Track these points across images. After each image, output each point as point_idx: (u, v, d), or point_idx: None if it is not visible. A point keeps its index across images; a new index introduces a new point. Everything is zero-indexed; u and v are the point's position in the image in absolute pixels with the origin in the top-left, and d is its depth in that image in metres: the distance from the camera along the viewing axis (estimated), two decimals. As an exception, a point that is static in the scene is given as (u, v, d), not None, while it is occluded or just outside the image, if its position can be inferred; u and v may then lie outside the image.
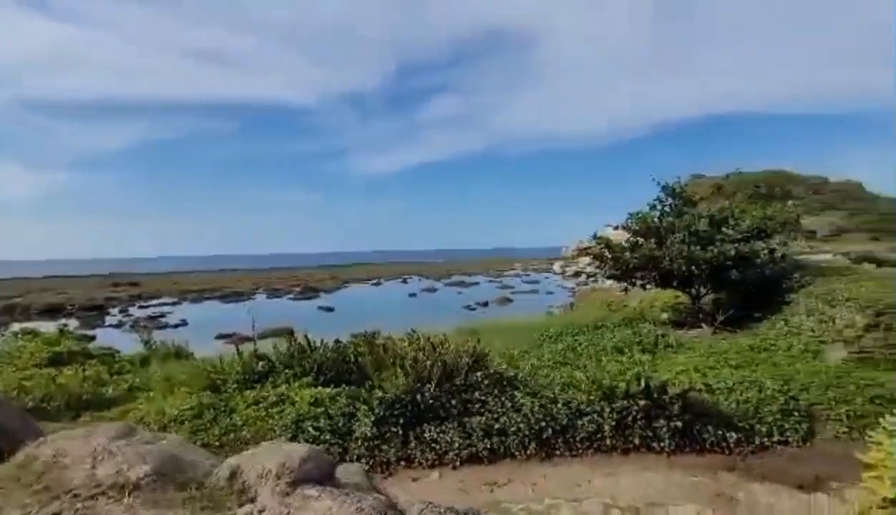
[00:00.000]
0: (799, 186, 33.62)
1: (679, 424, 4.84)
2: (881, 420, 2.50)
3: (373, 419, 4.73)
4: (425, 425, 4.74)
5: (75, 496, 1.38)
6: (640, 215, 10.70)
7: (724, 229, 9.27)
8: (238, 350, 6.51)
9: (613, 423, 4.81)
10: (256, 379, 6.01)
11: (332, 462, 1.66)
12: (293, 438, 4.65)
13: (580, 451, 4.76)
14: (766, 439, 5.04)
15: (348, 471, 1.96)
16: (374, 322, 16.47)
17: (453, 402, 4.92)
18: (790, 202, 10.65)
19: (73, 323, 21.86)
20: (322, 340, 6.66)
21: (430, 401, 4.85)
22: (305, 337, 6.63)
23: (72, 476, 1.46)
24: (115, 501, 1.37)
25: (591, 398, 5.03)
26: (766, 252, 8.68)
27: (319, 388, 5.51)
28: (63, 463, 1.51)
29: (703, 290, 10.34)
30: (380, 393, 4.87)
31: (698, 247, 8.65)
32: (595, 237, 11.22)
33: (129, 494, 1.40)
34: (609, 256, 10.58)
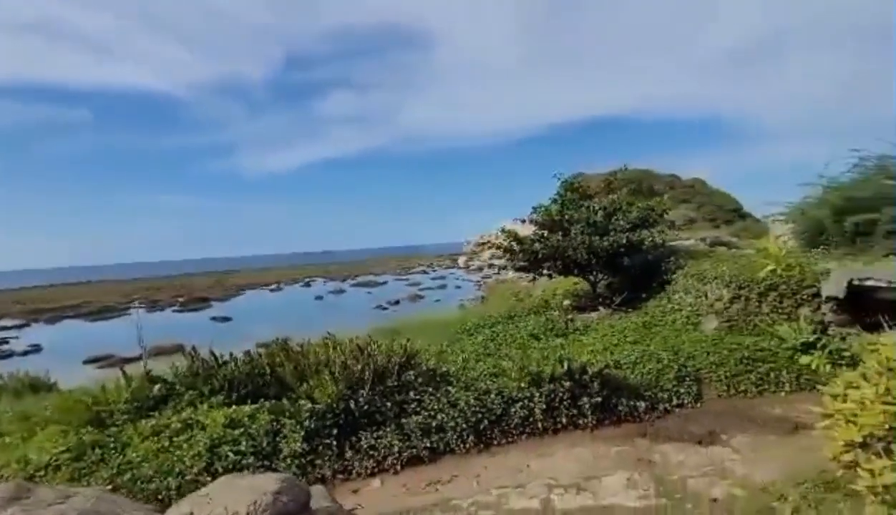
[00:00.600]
0: (658, 183, 39.28)
1: (599, 400, 5.24)
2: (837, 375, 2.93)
3: (302, 433, 4.36)
4: (361, 432, 4.51)
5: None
6: (543, 208, 11.40)
7: (614, 220, 10.27)
8: (125, 373, 5.54)
9: (544, 407, 5.04)
10: (152, 407, 5.17)
11: (307, 489, 1.44)
12: (208, 467, 4.09)
13: (515, 437, 4.91)
14: (667, 404, 5.70)
15: (315, 495, 1.74)
16: (281, 329, 15.39)
17: (388, 405, 4.75)
18: (665, 196, 12.17)
19: None
20: (231, 354, 5.96)
21: (365, 407, 4.62)
22: (211, 351, 5.88)
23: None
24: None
25: (522, 385, 5.21)
26: (650, 239, 9.82)
27: (234, 407, 4.91)
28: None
29: (599, 276, 11.36)
30: (309, 404, 4.50)
31: (597, 237, 9.48)
32: (503, 231, 11.69)
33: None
34: (517, 249, 11.10)
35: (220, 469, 4.06)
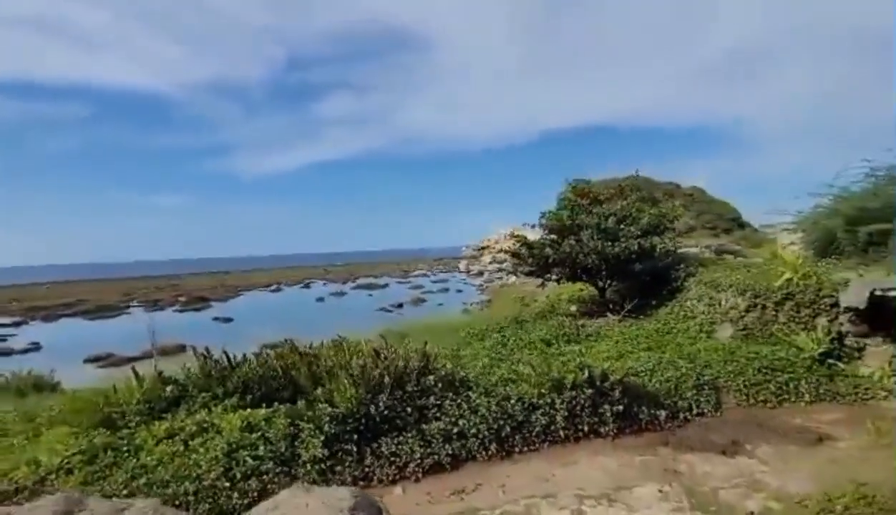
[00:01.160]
0: (658, 191, 39.49)
1: (621, 408, 5.15)
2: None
3: (322, 439, 4.25)
4: (381, 438, 4.40)
5: None
6: (552, 213, 11.35)
7: (625, 226, 10.22)
8: (136, 374, 5.42)
9: (565, 414, 4.95)
10: (165, 408, 5.05)
11: (378, 504, 1.35)
12: (225, 472, 3.97)
13: (537, 445, 4.81)
14: (687, 413, 5.61)
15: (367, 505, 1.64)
16: (283, 331, 15.26)
17: (408, 410, 4.64)
18: (677, 202, 12.12)
19: None
20: (244, 355, 5.86)
21: (385, 412, 4.51)
22: (224, 352, 5.77)
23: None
24: None
25: (542, 392, 5.12)
26: (661, 246, 9.77)
27: (249, 410, 4.80)
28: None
29: (608, 282, 11.30)
30: (328, 409, 4.39)
31: (609, 243, 9.42)
32: (512, 235, 11.65)
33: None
34: (527, 253, 11.05)
35: (238, 475, 3.95)
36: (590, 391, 5.12)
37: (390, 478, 4.18)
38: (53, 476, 4.03)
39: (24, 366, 9.30)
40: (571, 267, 10.54)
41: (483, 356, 8.09)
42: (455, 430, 4.56)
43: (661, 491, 3.70)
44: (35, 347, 16.98)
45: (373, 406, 4.50)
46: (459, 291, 28.05)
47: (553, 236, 10.88)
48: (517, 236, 11.66)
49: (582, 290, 14.25)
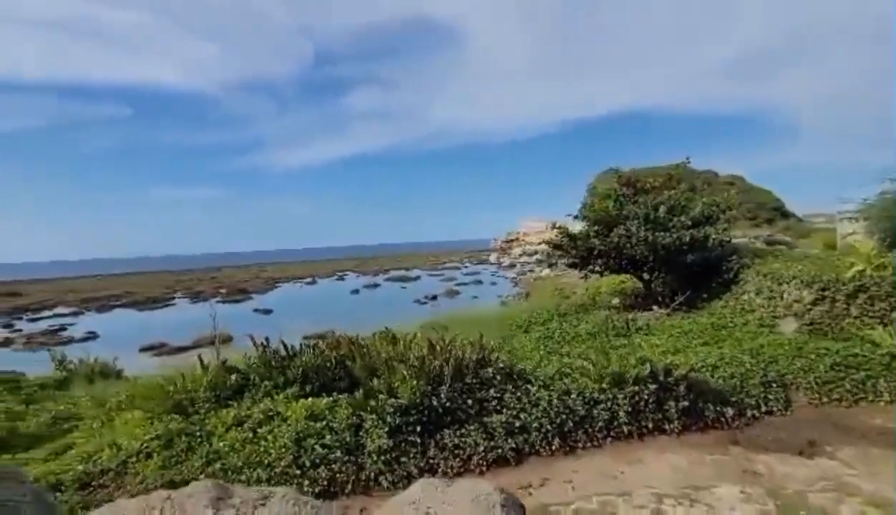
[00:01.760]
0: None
1: (686, 404, 4.95)
2: None
3: (386, 429, 4.27)
4: (444, 430, 4.38)
5: None
6: (595, 204, 11.05)
7: (675, 216, 9.83)
8: (202, 362, 5.60)
9: (628, 409, 4.80)
10: (230, 396, 5.21)
11: (520, 501, 1.29)
12: (295, 460, 4.05)
13: (599, 441, 4.69)
14: (755, 411, 5.35)
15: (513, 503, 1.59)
16: (323, 322, 15.58)
17: (469, 402, 4.60)
18: (732, 191, 11.55)
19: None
20: (301, 346, 5.97)
21: (447, 404, 4.49)
22: (282, 342, 5.89)
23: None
24: None
25: (603, 386, 4.99)
26: (715, 237, 9.35)
27: (311, 400, 4.88)
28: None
29: (654, 274, 10.93)
30: (392, 400, 4.40)
31: (660, 233, 9.09)
32: (554, 226, 11.41)
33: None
34: (570, 245, 10.81)
35: (308, 463, 4.02)
36: (653, 386, 4.95)
37: (454, 470, 4.15)
38: (134, 460, 4.21)
39: (83, 354, 9.80)
40: (617, 258, 10.25)
41: (532, 348, 8.00)
42: (517, 424, 4.49)
43: (743, 493, 3.52)
44: (93, 336, 17.99)
45: (434, 397, 4.48)
46: (493, 284, 27.88)
47: (597, 227, 10.59)
48: (559, 227, 11.42)
49: (623, 282, 13.88)
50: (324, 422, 4.43)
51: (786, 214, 44.50)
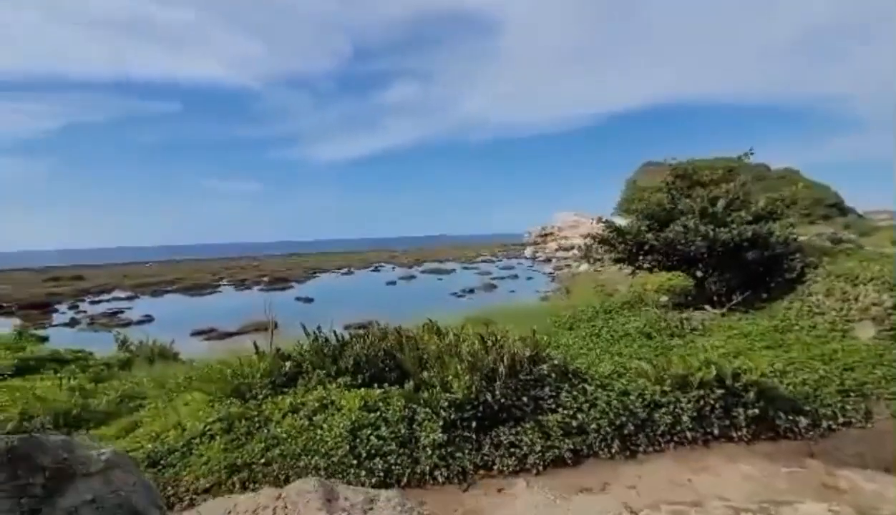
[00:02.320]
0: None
1: (756, 411, 4.65)
2: None
3: (440, 423, 4.22)
4: (499, 427, 4.29)
5: None
6: (645, 198, 10.61)
7: (734, 211, 9.29)
8: (257, 349, 5.74)
9: (693, 414, 4.55)
10: (284, 383, 5.31)
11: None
12: (351, 449, 4.06)
13: (661, 446, 4.47)
14: (831, 422, 4.96)
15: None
16: (363, 312, 15.78)
17: (524, 400, 4.48)
18: (800, 184, 10.79)
19: (14, 323, 19.65)
20: (351, 335, 6.01)
21: (501, 400, 4.38)
22: (334, 332, 5.96)
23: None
24: None
25: (665, 389, 4.75)
26: (778, 234, 8.77)
27: (363, 390, 4.90)
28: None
29: (709, 272, 10.40)
30: (447, 394, 4.35)
31: (721, 229, 8.61)
32: (601, 221, 11.05)
33: None
34: (618, 240, 10.45)
35: (364, 454, 4.02)
36: (720, 391, 4.67)
37: (510, 469, 4.05)
38: (197, 441, 4.35)
39: (139, 336, 10.31)
40: (670, 254, 9.81)
41: (580, 346, 7.78)
42: (574, 424, 4.34)
43: (831, 511, 3.25)
44: (148, 319, 19.01)
45: (489, 393, 4.39)
46: (530, 278, 27.49)
47: (648, 222, 10.17)
48: (605, 221, 11.05)
49: (671, 280, 13.30)
50: (377, 413, 4.42)
51: (844, 211, 41.45)
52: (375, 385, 5.12)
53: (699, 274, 10.39)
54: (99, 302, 25.96)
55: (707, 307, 9.87)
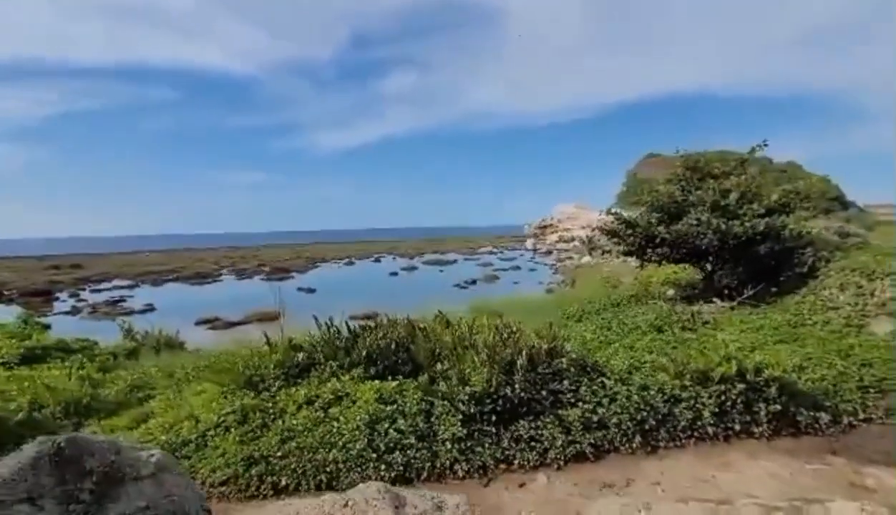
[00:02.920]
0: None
1: (778, 407, 4.58)
2: None
3: (459, 417, 4.15)
4: (519, 421, 4.22)
5: None
6: (654, 191, 10.48)
7: (746, 204, 9.18)
8: (268, 340, 5.65)
9: (715, 409, 4.49)
10: (297, 374, 5.23)
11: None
12: (369, 443, 3.99)
13: (682, 441, 4.41)
14: (852, 418, 4.90)
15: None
16: (366, 303, 15.70)
17: (543, 393, 4.41)
18: (814, 177, 10.63)
19: (15, 311, 19.56)
20: (368, 326, 5.93)
21: (521, 394, 4.31)
22: (346, 324, 5.87)
23: None
24: None
25: (685, 383, 4.68)
26: (791, 227, 8.67)
27: (378, 382, 4.82)
28: None
29: (717, 265, 10.31)
30: (466, 388, 4.27)
31: (734, 222, 8.50)
32: (611, 212, 10.93)
33: None
34: (627, 232, 10.35)
35: (382, 447, 3.95)
36: (741, 386, 4.60)
37: (531, 464, 3.99)
38: (212, 433, 4.28)
39: (142, 325, 10.17)
40: (679, 247, 9.71)
41: (589, 339, 7.71)
42: (595, 418, 4.27)
43: (864, 511, 3.19)
44: (150, 308, 18.93)
45: (509, 387, 4.31)
46: (532, 270, 27.40)
47: (657, 214, 10.05)
48: (613, 213, 10.93)
49: (677, 273, 13.22)
50: (394, 406, 4.35)
51: (845, 204, 41.28)
52: (389, 377, 5.04)
53: (708, 267, 10.30)
54: (100, 290, 25.85)
55: (715, 300, 9.79)
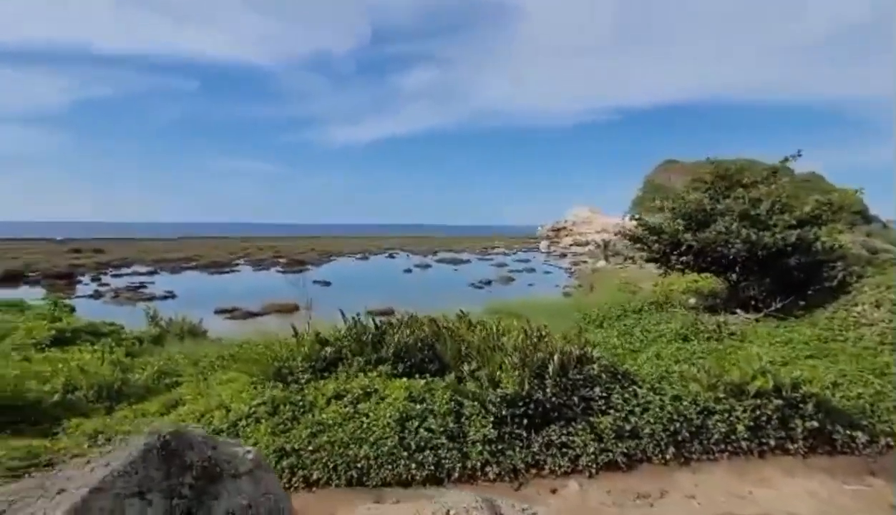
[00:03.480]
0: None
1: (815, 424, 4.48)
2: None
3: (491, 419, 4.13)
4: (551, 426, 4.18)
5: None
6: (681, 198, 10.31)
7: (776, 214, 8.98)
8: (296, 332, 5.69)
9: (750, 424, 4.40)
10: (324, 368, 5.25)
11: None
12: (401, 440, 3.99)
13: (715, 455, 4.32)
14: (889, 439, 4.76)
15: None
16: (382, 298, 15.74)
17: (574, 399, 4.36)
18: (850, 189, 10.37)
19: (38, 293, 20.00)
20: (392, 322, 5.93)
21: (552, 398, 4.27)
22: (372, 319, 5.88)
23: None
24: None
25: (719, 396, 4.59)
26: (825, 240, 8.47)
27: (405, 379, 4.82)
28: None
29: (742, 276, 10.12)
30: (498, 389, 4.25)
31: (765, 232, 8.33)
32: (634, 218, 10.80)
33: None
34: (652, 238, 10.21)
35: (413, 446, 3.95)
36: (777, 401, 4.50)
37: (562, 469, 3.95)
38: (244, 423, 4.32)
39: (164, 311, 10.27)
40: (705, 256, 9.55)
41: (613, 346, 7.63)
42: (627, 427, 4.21)
43: (912, 536, 3.09)
44: (170, 295, 19.22)
45: (540, 391, 4.27)
46: (547, 272, 27.23)
47: (683, 222, 9.89)
48: (639, 219, 10.79)
49: (698, 282, 13.02)
50: (423, 405, 4.34)
51: (868, 218, 40.22)
52: (417, 375, 5.04)
53: (734, 277, 10.11)
54: (120, 275, 26.34)
55: (739, 311, 9.61)
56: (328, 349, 5.39)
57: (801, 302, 9.18)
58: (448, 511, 1.17)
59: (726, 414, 4.46)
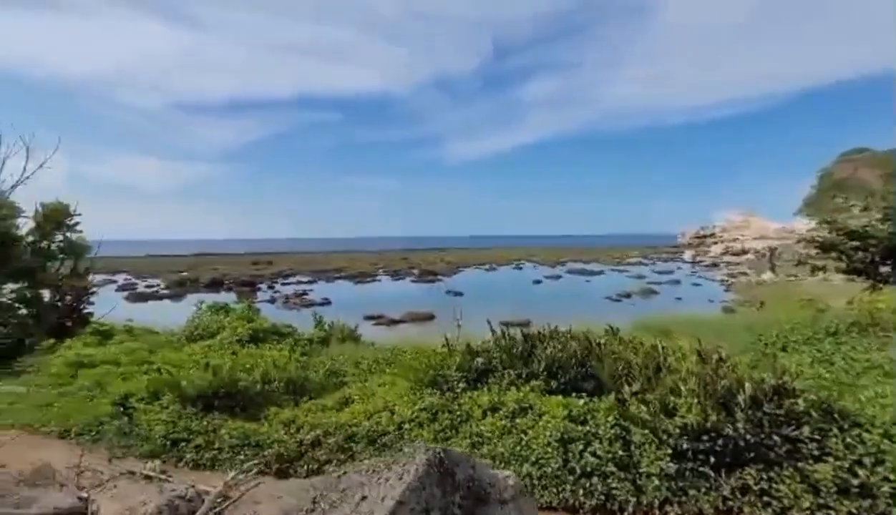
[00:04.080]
0: None
1: None
2: None
3: (669, 451, 3.68)
4: (746, 468, 3.56)
5: None
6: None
7: None
8: (447, 342, 5.89)
9: None
10: (475, 379, 5.32)
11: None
12: (565, 464, 3.79)
13: None
14: None
15: None
16: (513, 310, 15.57)
17: (775, 439, 3.66)
18: None
19: (230, 297, 24.39)
20: (538, 333, 5.78)
21: (747, 436, 3.64)
22: (522, 332, 5.80)
23: None
24: None
25: None
26: None
27: (562, 397, 4.60)
28: None
29: None
30: (676, 418, 3.79)
31: None
32: (827, 222, 8.92)
33: None
34: (852, 247, 8.31)
35: (578, 470, 3.72)
36: None
37: (763, 522, 3.32)
38: (408, 427, 4.57)
39: (343, 320, 11.50)
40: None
41: (809, 375, 6.31)
42: (855, 482, 3.37)
43: None
44: (327, 302, 21.84)
45: (729, 425, 3.68)
46: (696, 285, 24.15)
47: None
48: (831, 222, 8.90)
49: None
50: (585, 427, 4.07)
51: None
52: (573, 393, 4.78)
53: None
54: (288, 284, 30.89)
55: None
56: (479, 359, 5.45)
57: None
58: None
59: None
